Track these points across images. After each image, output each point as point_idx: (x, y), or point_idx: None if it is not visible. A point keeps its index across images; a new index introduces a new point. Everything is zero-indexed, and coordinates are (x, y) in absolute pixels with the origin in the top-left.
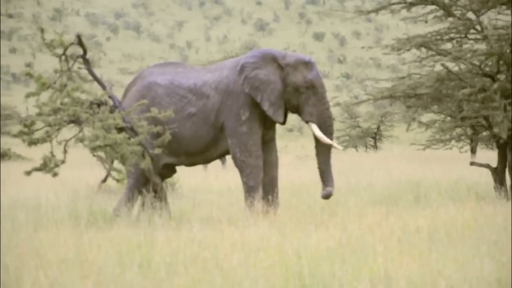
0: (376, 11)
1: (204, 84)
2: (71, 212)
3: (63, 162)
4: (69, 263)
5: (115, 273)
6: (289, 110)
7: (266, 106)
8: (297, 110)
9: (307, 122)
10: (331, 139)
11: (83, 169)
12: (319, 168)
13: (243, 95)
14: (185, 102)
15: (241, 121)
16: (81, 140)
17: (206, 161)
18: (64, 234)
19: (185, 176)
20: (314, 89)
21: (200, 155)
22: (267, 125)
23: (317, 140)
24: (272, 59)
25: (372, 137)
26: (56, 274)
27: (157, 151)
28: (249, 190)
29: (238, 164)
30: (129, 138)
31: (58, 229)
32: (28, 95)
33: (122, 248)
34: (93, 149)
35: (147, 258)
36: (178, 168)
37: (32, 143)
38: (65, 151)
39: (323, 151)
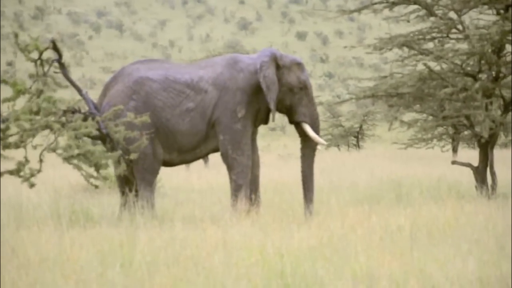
0: (359, 10)
1: (200, 79)
2: (52, 211)
3: (39, 171)
4: (51, 262)
5: (97, 272)
6: (278, 111)
7: (272, 105)
8: (288, 111)
9: (299, 122)
10: None
11: (64, 168)
12: (303, 172)
13: (239, 92)
14: (183, 97)
15: (237, 118)
16: (54, 149)
17: (195, 158)
18: (45, 233)
19: (168, 175)
20: (306, 90)
21: (191, 151)
22: (256, 123)
23: (303, 142)
24: (274, 59)
25: (354, 136)
26: (38, 273)
27: (133, 156)
28: (237, 189)
29: (229, 161)
30: (105, 143)
31: (40, 228)
32: (4, 101)
33: (104, 247)
34: (66, 159)
35: (129, 257)
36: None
37: (6, 147)
38: (40, 161)
39: (308, 153)
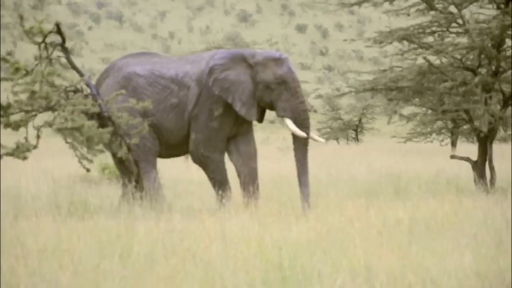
0: (359, 3)
1: (185, 75)
2: (51, 202)
3: (35, 147)
4: (49, 252)
5: (95, 263)
6: (265, 108)
7: (238, 106)
8: (270, 107)
9: (282, 117)
10: (308, 133)
11: (64, 158)
12: (296, 165)
13: None
14: (168, 92)
15: (214, 117)
16: (50, 124)
17: (183, 153)
18: (44, 224)
19: (166, 166)
20: (286, 84)
21: (178, 147)
22: (241, 120)
23: (294, 135)
24: (241, 59)
25: (353, 130)
26: (36, 263)
27: (135, 141)
28: (218, 185)
29: (201, 160)
30: (101, 126)
31: (38, 218)
32: (3, 80)
33: (102, 238)
34: (59, 131)
35: (127, 249)
36: (159, 159)
37: (8, 125)
38: (38, 136)
39: (299, 147)
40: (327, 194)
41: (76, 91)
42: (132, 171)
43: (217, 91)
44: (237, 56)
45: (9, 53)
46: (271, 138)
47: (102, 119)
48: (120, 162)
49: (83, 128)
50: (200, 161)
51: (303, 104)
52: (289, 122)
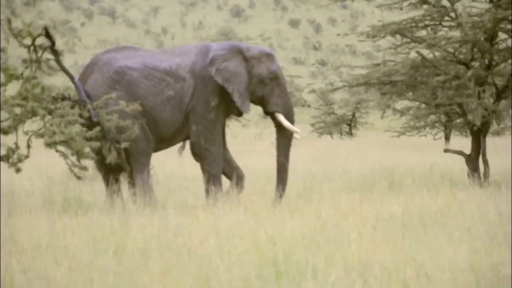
0: None
1: (178, 67)
2: (45, 198)
3: (26, 157)
4: (43, 249)
5: (89, 259)
6: (252, 102)
7: (236, 97)
8: (261, 102)
9: (273, 113)
10: None
11: (57, 155)
12: (278, 161)
13: (212, 81)
14: (164, 85)
15: (210, 108)
16: (42, 135)
17: (168, 147)
18: (38, 220)
19: (160, 162)
20: (277, 80)
21: (168, 140)
22: (228, 112)
23: (279, 131)
24: (238, 52)
25: (347, 124)
26: (30, 259)
27: (124, 145)
28: (212, 179)
29: (202, 152)
30: (91, 129)
31: (32, 215)
32: (2, 85)
33: (97, 234)
34: (49, 145)
35: (121, 244)
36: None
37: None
38: (28, 146)
39: (284, 142)
40: (321, 189)
41: (63, 98)
42: (126, 168)
43: (220, 80)
44: (235, 48)
45: (2, 50)
46: (265, 133)
47: (92, 122)
48: (103, 159)
49: (72, 141)
50: (200, 153)
51: (290, 100)
52: (282, 118)
